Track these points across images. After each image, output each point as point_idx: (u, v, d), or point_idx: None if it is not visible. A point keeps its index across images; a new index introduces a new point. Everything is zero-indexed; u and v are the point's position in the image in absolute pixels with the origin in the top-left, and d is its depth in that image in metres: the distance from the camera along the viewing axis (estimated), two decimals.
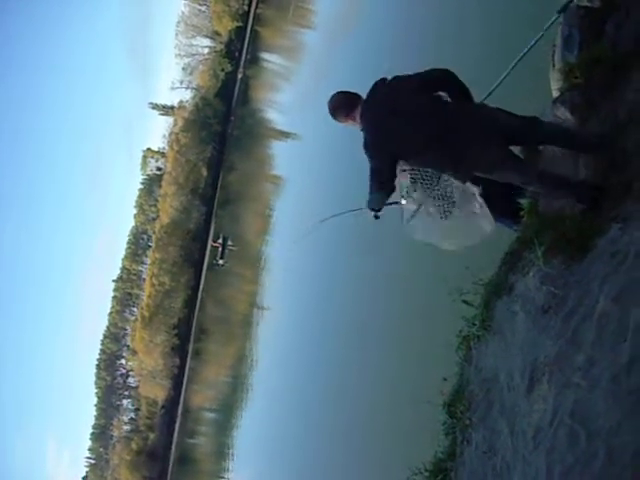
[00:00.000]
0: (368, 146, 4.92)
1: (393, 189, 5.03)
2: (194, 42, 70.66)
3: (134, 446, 65.51)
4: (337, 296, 26.94)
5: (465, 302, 5.00)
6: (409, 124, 4.72)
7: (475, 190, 6.33)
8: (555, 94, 6.27)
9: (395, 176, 5.03)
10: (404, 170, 6.28)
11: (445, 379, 4.86)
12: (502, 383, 4.06)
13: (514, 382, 3.90)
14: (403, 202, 6.32)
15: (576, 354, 3.43)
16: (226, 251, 56.59)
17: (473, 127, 4.60)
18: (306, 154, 41.32)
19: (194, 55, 70.46)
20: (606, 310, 3.34)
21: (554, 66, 6.82)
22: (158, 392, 64.60)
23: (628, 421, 2.86)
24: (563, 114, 5.25)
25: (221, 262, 57.23)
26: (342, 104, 5.25)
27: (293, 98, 49.25)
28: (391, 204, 6.45)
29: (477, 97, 5.06)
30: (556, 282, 3.89)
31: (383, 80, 5.04)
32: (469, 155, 4.63)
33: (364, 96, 5.07)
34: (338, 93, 5.33)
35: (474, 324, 4.64)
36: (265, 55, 61.91)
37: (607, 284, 3.47)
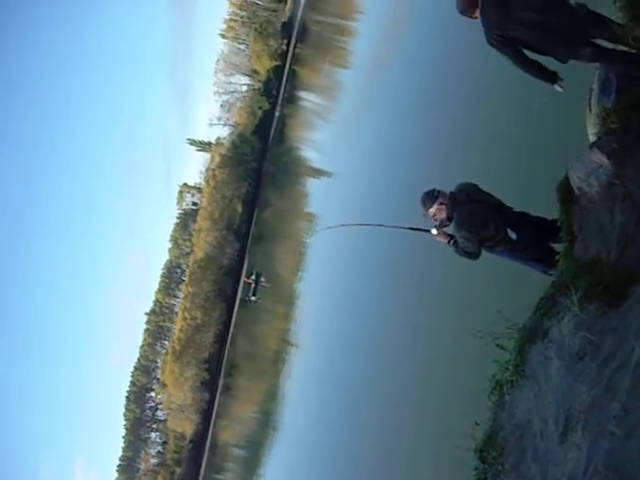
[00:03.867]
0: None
1: None
2: (233, 80, 71.87)
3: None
4: (368, 335, 26.82)
5: (499, 346, 4.96)
6: None
7: (513, 235, 6.48)
8: (592, 139, 6.27)
9: None
10: (442, 204, 6.55)
11: (477, 424, 4.81)
12: (535, 429, 4.01)
13: (548, 429, 3.85)
14: (434, 232, 6.66)
15: (611, 402, 3.38)
16: (258, 287, 56.75)
17: None
18: (340, 192, 41.49)
19: (232, 92, 71.61)
20: None
21: (591, 110, 6.84)
22: (186, 426, 64.51)
23: None
24: (599, 159, 5.24)
25: (253, 298, 57.38)
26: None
27: (329, 136, 49.64)
28: (421, 230, 6.81)
29: None
30: (592, 329, 3.85)
31: None
32: None
33: None
34: None
35: (507, 369, 4.60)
36: (302, 94, 62.66)
37: None
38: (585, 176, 5.57)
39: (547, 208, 6.29)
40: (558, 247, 6.15)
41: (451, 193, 6.79)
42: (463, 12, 6.01)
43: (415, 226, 7.14)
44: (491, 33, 5.88)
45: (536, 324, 4.53)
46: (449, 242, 6.84)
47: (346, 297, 33.37)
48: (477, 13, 5.93)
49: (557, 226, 5.91)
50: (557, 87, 6.32)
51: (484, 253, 6.83)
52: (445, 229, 6.88)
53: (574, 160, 5.69)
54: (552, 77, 6.22)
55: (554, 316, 4.33)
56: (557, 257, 5.82)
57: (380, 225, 7.55)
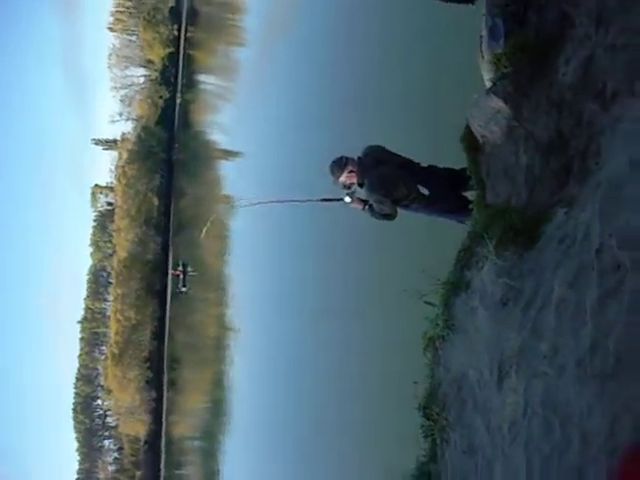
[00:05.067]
0: None
1: None
2: (128, 73, 70.18)
3: None
4: (301, 308, 26.93)
5: (427, 303, 5.01)
6: None
7: (425, 191, 6.52)
8: (488, 85, 6.34)
9: None
10: (351, 171, 6.54)
11: (416, 382, 4.85)
12: (472, 380, 4.07)
13: (483, 378, 3.91)
14: (347, 200, 6.65)
15: (540, 343, 3.44)
16: (187, 277, 56.19)
17: None
18: (253, 171, 41.26)
19: (130, 86, 69.97)
20: (562, 296, 3.36)
21: (483, 57, 6.90)
22: (139, 428, 63.74)
23: (597, 404, 2.88)
24: (497, 104, 5.31)
25: (184, 289, 56.80)
26: None
27: (234, 117, 49.17)
28: (334, 200, 6.80)
29: None
30: (511, 274, 3.91)
31: None
32: None
33: None
34: None
35: (437, 324, 4.64)
36: (201, 77, 61.76)
37: (560, 270, 3.49)
38: (485, 123, 5.63)
39: (456, 160, 6.36)
40: (471, 196, 6.23)
41: (359, 158, 6.77)
42: None
43: (328, 197, 7.10)
44: None
45: (458, 277, 4.58)
46: (364, 208, 6.84)
47: (275, 274, 33.33)
48: None
49: (467, 175, 5.98)
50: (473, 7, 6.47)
51: (400, 213, 6.86)
52: (357, 195, 6.87)
53: (473, 108, 5.75)
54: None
55: (474, 266, 4.38)
56: (471, 206, 5.89)
57: (294, 201, 7.49)
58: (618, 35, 4.31)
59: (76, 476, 72.57)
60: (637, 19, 4.13)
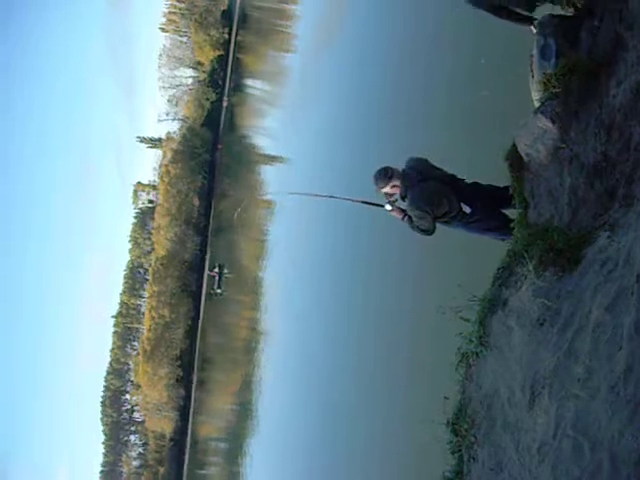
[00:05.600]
0: None
1: None
2: (177, 73, 71.05)
3: None
4: (333, 316, 26.94)
5: (462, 319, 5.00)
6: None
7: (467, 209, 6.51)
8: (536, 104, 6.32)
9: None
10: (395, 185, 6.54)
11: (447, 398, 4.85)
12: (503, 399, 4.05)
13: (515, 397, 3.90)
14: (388, 207, 6.65)
15: (574, 365, 3.43)
16: (223, 279, 56.53)
17: None
18: (296, 177, 41.44)
19: (178, 86, 70.80)
20: (600, 320, 3.34)
21: (533, 77, 6.88)
22: (165, 425, 64.19)
23: (629, 428, 2.86)
24: (544, 124, 5.29)
25: (219, 291, 57.16)
26: None
27: (279, 122, 49.45)
28: (375, 205, 6.81)
29: None
30: (549, 294, 3.89)
31: None
32: None
33: None
34: None
35: (471, 341, 4.63)
36: (248, 82, 62.25)
37: (599, 293, 3.47)
38: (532, 142, 5.62)
39: (500, 177, 6.33)
40: (513, 214, 6.21)
41: (403, 171, 6.75)
42: None
43: (369, 200, 7.09)
44: None
45: (495, 294, 4.57)
46: (403, 218, 6.84)
47: (310, 281, 33.39)
48: None
49: (510, 193, 5.96)
50: (533, 29, 6.52)
51: (440, 227, 6.85)
52: (399, 204, 6.86)
53: (520, 127, 5.74)
54: (528, 19, 6.57)
55: (512, 285, 4.37)
56: (512, 224, 5.87)
57: (331, 197, 7.46)
58: None
59: (100, 468, 73.46)
60: None
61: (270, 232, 49.10)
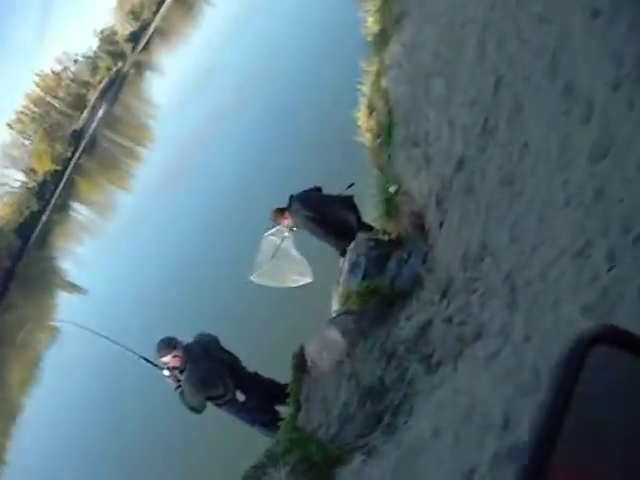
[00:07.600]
0: None
1: None
2: (7, 172, 68.92)
3: None
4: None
5: None
6: None
7: (241, 397, 6.48)
8: (334, 314, 6.56)
9: None
10: (176, 356, 6.36)
11: None
12: None
13: None
14: (165, 373, 6.38)
15: None
16: None
17: None
18: (90, 313, 39.80)
19: (2, 185, 68.36)
20: None
21: (338, 287, 7.20)
22: None
23: None
24: (334, 336, 5.47)
25: None
26: None
27: (93, 253, 48.14)
28: (153, 364, 6.55)
29: None
30: None
31: None
32: None
33: None
34: None
35: None
36: (75, 204, 60.91)
37: None
38: (319, 349, 5.76)
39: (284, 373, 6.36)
40: (285, 411, 6.20)
41: (187, 345, 6.60)
42: None
43: (150, 359, 6.82)
44: None
45: None
46: (176, 389, 6.62)
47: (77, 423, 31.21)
48: None
49: (287, 392, 6.00)
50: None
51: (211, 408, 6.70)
52: (176, 374, 6.65)
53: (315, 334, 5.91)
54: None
55: None
56: (279, 423, 5.86)
57: (114, 342, 7.10)
58: (457, 312, 4.62)
59: None
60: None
61: (45, 360, 46.06)
